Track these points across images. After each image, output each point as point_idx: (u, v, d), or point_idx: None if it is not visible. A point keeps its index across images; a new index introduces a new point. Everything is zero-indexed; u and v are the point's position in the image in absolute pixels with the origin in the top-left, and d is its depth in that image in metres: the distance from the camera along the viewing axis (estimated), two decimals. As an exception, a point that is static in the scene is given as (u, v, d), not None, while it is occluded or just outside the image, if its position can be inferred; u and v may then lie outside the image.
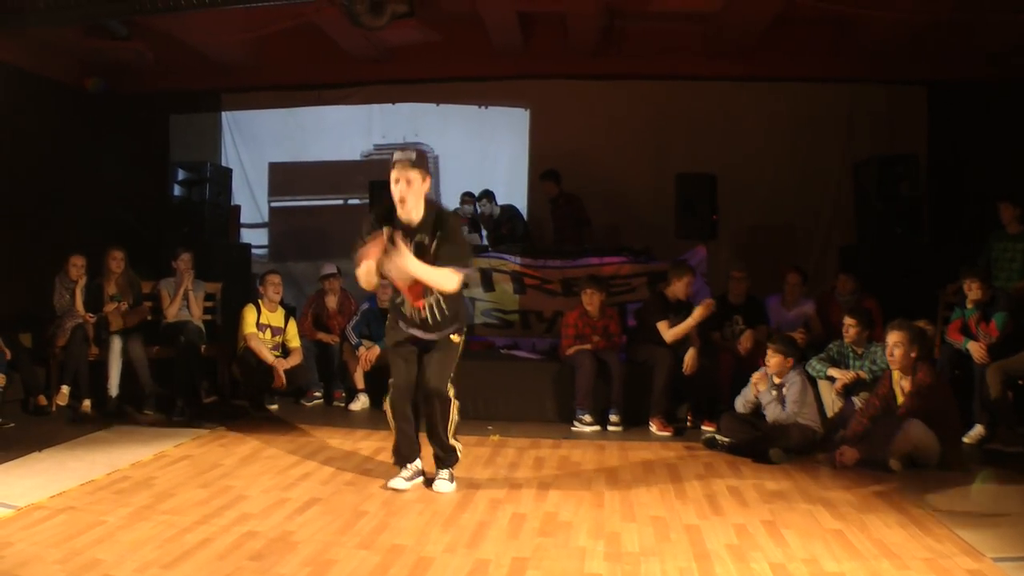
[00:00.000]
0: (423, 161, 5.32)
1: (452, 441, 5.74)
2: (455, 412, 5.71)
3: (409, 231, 5.33)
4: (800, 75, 10.32)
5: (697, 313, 7.63)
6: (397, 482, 5.70)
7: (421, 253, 5.28)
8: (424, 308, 5.51)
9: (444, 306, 5.52)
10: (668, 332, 7.75)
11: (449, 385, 5.62)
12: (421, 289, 5.43)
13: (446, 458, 5.77)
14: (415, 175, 5.23)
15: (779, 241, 10.43)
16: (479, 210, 10.58)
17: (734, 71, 10.29)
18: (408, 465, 5.80)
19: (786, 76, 10.34)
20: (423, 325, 5.58)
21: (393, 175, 5.26)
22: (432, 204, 5.46)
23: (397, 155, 5.29)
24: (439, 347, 5.61)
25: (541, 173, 10.35)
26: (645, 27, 10.04)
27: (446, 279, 5.29)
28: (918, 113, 10.31)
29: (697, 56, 10.30)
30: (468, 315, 9.39)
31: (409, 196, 5.25)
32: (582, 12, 9.32)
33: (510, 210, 10.67)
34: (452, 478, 5.75)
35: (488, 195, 10.56)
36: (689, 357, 7.58)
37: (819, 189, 10.46)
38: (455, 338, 5.66)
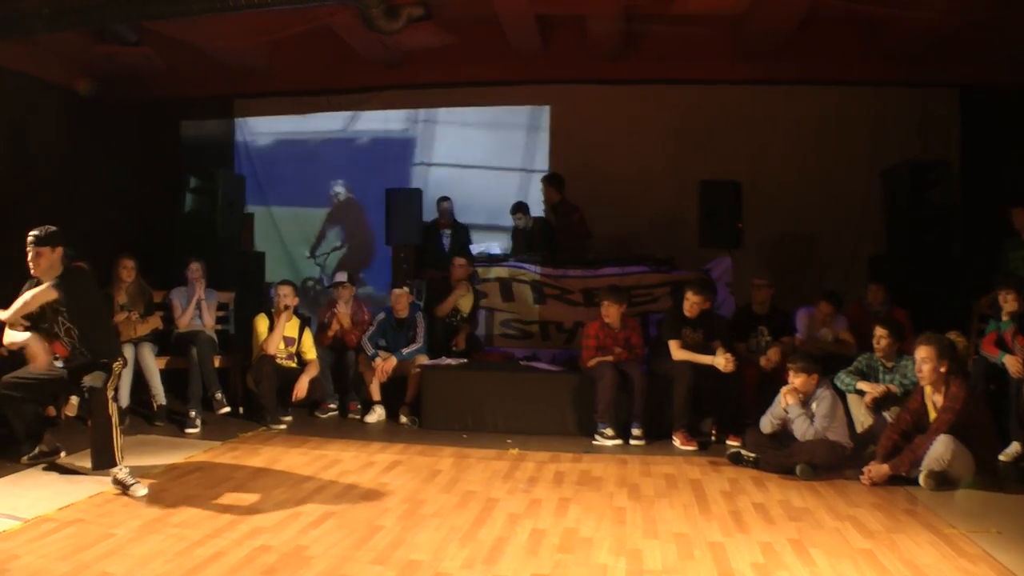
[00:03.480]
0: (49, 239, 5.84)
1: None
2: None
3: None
4: (827, 78, 10.14)
5: (717, 364, 7.37)
6: None
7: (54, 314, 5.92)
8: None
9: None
10: (678, 351, 7.58)
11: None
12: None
13: None
14: (43, 251, 5.82)
15: (806, 250, 10.25)
16: (514, 223, 10.43)
17: (759, 74, 10.11)
18: None
19: (812, 79, 10.16)
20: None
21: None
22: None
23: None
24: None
25: (544, 176, 10.22)
26: (667, 30, 9.86)
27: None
28: (949, 117, 10.13)
29: (720, 59, 10.12)
30: (487, 325, 9.28)
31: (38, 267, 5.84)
32: (602, 14, 9.17)
33: (542, 223, 10.45)
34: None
35: (521, 207, 10.36)
36: (723, 358, 7.35)
37: (847, 196, 10.22)
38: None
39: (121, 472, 5.71)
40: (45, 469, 6.20)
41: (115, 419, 5.81)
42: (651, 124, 10.53)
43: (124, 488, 5.65)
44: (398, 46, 10.36)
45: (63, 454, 6.35)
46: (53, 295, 5.73)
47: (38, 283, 5.89)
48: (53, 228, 5.86)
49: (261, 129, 11.98)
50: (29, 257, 5.80)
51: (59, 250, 5.86)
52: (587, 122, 10.68)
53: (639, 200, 10.33)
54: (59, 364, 6.12)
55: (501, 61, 10.52)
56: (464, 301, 9.17)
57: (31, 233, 5.79)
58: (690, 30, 9.77)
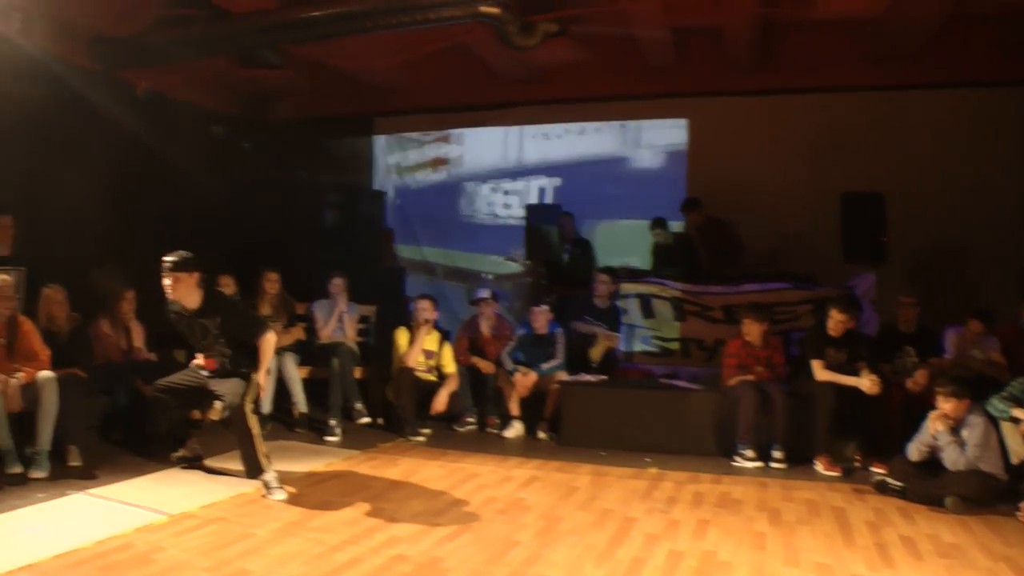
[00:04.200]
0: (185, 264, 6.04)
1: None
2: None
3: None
4: (973, 80, 9.59)
5: (862, 385, 7.08)
6: None
7: (204, 332, 6.17)
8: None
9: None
10: (821, 372, 7.32)
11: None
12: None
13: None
14: (181, 276, 6.02)
15: (955, 265, 9.72)
16: (652, 239, 10.31)
17: (900, 79, 9.66)
18: None
19: (957, 82, 9.64)
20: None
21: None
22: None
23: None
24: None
25: (681, 205, 9.98)
26: (803, 37, 9.63)
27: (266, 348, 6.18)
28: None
29: (859, 65, 9.75)
30: (627, 341, 9.16)
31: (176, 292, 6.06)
32: (737, 24, 8.97)
33: (681, 239, 10.31)
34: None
35: (659, 223, 10.23)
36: (868, 380, 7.05)
37: (999, 206, 9.56)
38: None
39: (268, 475, 5.91)
40: (187, 468, 6.47)
41: (255, 431, 6.02)
42: (789, 135, 10.23)
43: (267, 490, 5.84)
44: (534, 62, 10.40)
45: (204, 460, 6.58)
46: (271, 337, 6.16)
47: (178, 307, 6.12)
48: (188, 254, 6.06)
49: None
50: (167, 283, 6.00)
51: (196, 275, 6.06)
52: (724, 134, 10.47)
53: (778, 214, 9.97)
54: (205, 374, 6.29)
55: (637, 74, 10.42)
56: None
57: (167, 259, 6.00)
58: (827, 36, 9.50)
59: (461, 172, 12.37)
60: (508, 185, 12.11)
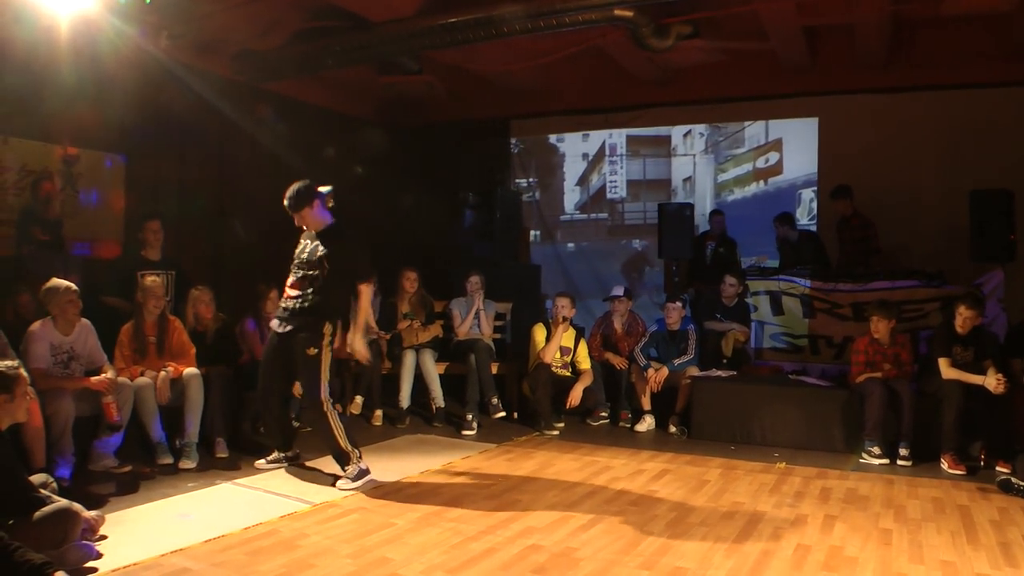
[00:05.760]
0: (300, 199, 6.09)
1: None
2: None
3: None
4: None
5: (988, 384, 6.91)
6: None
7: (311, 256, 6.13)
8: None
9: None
10: (948, 370, 7.18)
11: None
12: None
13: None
14: (303, 212, 6.12)
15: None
16: (776, 233, 10.33)
17: (1031, 74, 9.43)
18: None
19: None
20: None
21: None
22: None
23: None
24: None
25: (832, 190, 9.88)
26: (935, 33, 9.46)
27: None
28: None
29: (992, 60, 9.51)
30: (757, 338, 9.16)
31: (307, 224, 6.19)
32: (869, 21, 8.88)
33: (807, 235, 10.33)
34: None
35: (783, 217, 10.27)
36: (995, 379, 6.90)
37: None
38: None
39: (351, 467, 6.02)
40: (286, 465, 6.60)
41: (334, 422, 6.04)
42: (919, 132, 10.05)
43: (345, 478, 5.99)
44: (668, 63, 10.47)
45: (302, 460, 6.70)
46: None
47: (311, 238, 6.18)
48: (302, 186, 6.09)
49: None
50: (296, 222, 6.13)
51: (315, 203, 6.09)
52: (855, 132, 10.35)
53: (907, 211, 9.86)
54: (274, 324, 6.31)
55: (770, 75, 10.40)
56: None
57: (285, 202, 6.06)
58: (958, 32, 9.31)
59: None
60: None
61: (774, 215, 10.35)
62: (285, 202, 6.06)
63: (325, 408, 6.02)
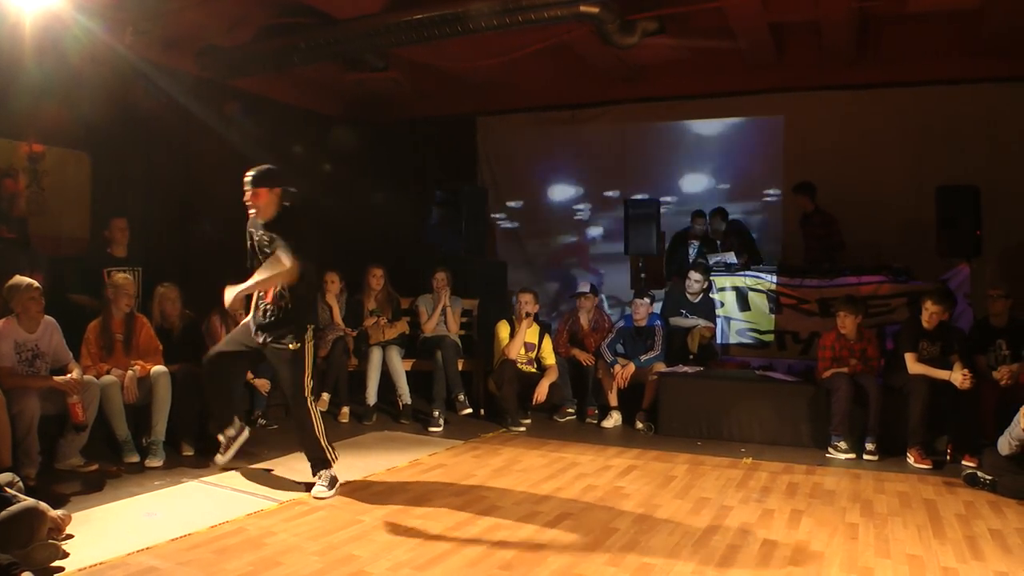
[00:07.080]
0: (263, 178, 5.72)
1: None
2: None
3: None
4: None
5: (954, 379, 6.99)
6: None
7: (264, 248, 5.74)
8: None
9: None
10: (914, 365, 7.26)
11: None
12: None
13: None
14: (260, 191, 5.69)
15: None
16: (709, 227, 10.46)
17: (999, 71, 9.46)
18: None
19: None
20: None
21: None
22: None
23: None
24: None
25: (794, 186, 9.98)
26: (902, 30, 9.49)
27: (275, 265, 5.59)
28: None
29: (956, 58, 9.58)
30: (723, 333, 9.21)
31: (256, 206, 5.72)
32: (836, 18, 8.91)
33: (733, 225, 10.48)
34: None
35: (718, 212, 10.42)
36: (960, 374, 6.98)
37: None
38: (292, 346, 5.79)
39: (332, 470, 5.86)
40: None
41: (316, 422, 5.81)
42: (886, 129, 10.12)
43: (320, 485, 5.75)
44: (634, 60, 10.46)
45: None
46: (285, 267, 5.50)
47: (257, 224, 5.77)
48: (270, 167, 5.77)
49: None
50: (248, 198, 5.67)
51: (277, 190, 5.72)
52: (821, 130, 10.40)
53: (874, 207, 9.91)
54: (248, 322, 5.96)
55: (735, 72, 10.43)
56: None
57: (248, 174, 5.69)
58: (925, 29, 9.33)
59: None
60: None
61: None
62: (249, 174, 5.69)
63: (308, 405, 5.82)
